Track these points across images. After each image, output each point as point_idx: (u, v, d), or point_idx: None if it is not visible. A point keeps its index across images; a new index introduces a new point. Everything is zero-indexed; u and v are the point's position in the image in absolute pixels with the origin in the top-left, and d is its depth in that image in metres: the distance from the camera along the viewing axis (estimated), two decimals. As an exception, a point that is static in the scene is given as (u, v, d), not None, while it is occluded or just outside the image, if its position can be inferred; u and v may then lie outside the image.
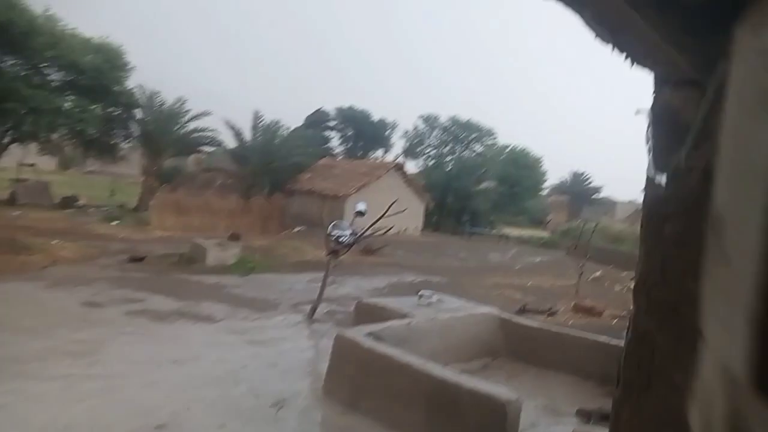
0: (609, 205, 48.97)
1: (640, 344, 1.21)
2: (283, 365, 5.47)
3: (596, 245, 17.71)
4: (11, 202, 20.95)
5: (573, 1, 0.98)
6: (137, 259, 11.01)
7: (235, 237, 15.20)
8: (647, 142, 1.22)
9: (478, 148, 35.76)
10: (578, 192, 49.33)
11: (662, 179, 1.16)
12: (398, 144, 39.09)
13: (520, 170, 36.81)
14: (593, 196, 49.67)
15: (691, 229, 1.04)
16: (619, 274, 15.65)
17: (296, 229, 20.00)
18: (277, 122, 27.07)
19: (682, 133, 1.07)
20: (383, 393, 4.46)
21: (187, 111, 25.76)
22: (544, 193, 45.61)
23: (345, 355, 4.81)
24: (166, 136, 25.01)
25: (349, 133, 39.68)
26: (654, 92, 1.21)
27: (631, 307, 1.27)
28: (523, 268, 17.20)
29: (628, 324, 1.31)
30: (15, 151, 24.86)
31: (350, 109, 39.14)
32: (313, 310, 7.60)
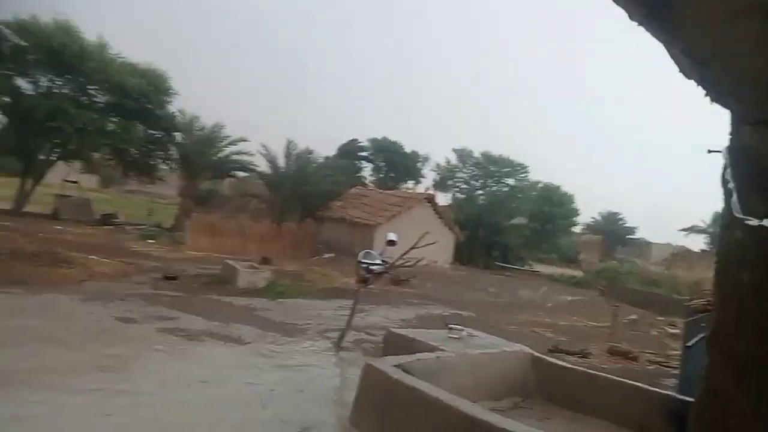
0: (644, 246, 47.80)
1: (712, 401, 1.13)
2: (310, 392, 5.40)
3: (631, 287, 17.21)
4: (54, 216, 21.68)
5: (665, 32, 0.95)
6: (171, 278, 11.18)
7: (266, 261, 15.34)
8: (724, 185, 1.16)
9: (510, 182, 35.57)
10: (612, 231, 48.34)
11: (746, 223, 1.10)
12: (429, 176, 39.22)
13: (552, 207, 36.34)
14: (627, 237, 48.56)
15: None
16: (655, 318, 15.13)
17: (326, 256, 20.07)
18: (310, 150, 27.55)
19: (762, 176, 1.02)
20: (411, 426, 4.34)
21: (225, 136, 26.47)
22: (577, 230, 44.82)
23: (373, 385, 4.72)
24: (203, 159, 25.68)
25: (381, 164, 40.04)
26: (731, 132, 1.17)
27: (703, 362, 1.20)
28: (555, 306, 16.80)
29: (680, 374, 1.23)
30: (60, 168, 25.87)
31: (383, 140, 39.59)
32: (341, 337, 7.53)
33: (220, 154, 26.58)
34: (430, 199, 26.25)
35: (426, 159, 40.52)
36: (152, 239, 18.90)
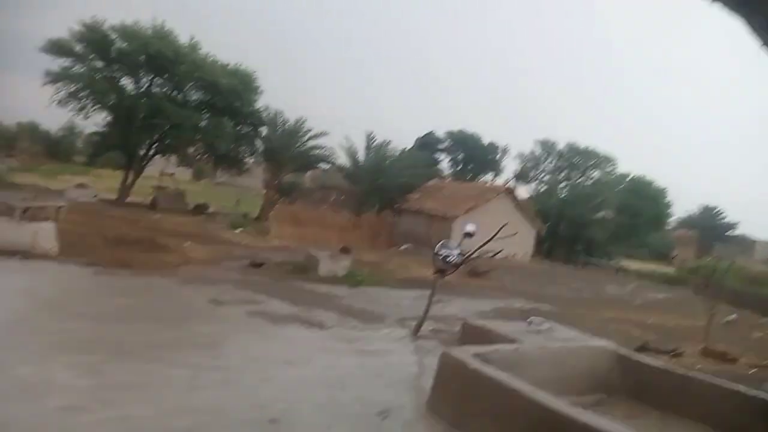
0: (746, 243, 44.10)
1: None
2: (388, 377, 5.53)
3: (731, 286, 16.00)
4: (153, 206, 23.39)
5: (742, 6, 0.92)
6: (257, 265, 11.77)
7: (345, 250, 15.72)
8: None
9: (596, 175, 34.05)
10: (709, 227, 44.99)
11: None
12: (509, 168, 38.40)
13: (641, 200, 34.39)
14: (727, 233, 45.03)
15: None
16: (757, 319, 13.99)
17: (403, 247, 20.24)
18: (388, 143, 27.84)
19: None
20: (488, 416, 4.34)
21: (307, 130, 27.31)
22: (670, 226, 42.12)
23: (450, 373, 4.76)
24: (286, 152, 26.66)
25: (459, 156, 39.66)
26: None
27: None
28: (644, 303, 15.97)
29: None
30: (158, 162, 27.83)
31: (460, 132, 39.17)
32: (419, 326, 7.62)
33: (303, 148, 27.48)
34: (510, 191, 25.71)
35: (505, 151, 39.67)
36: (240, 228, 19.92)
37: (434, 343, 7.19)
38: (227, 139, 24.80)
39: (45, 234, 9.09)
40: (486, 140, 39.39)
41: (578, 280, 20.36)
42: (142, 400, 4.07)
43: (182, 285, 8.60)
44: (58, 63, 22.47)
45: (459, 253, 8.05)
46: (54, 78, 22.34)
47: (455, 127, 39.16)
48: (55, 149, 44.97)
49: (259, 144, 27.63)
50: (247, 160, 28.54)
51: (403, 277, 13.60)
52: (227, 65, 25.42)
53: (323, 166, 30.47)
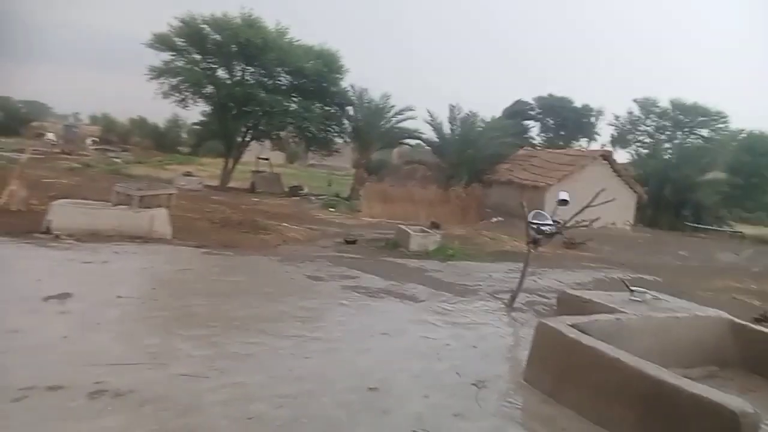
0: None
1: None
2: (483, 348, 5.56)
3: None
4: (251, 190, 24.72)
5: None
6: (350, 242, 12.15)
7: (435, 225, 15.77)
8: None
9: (704, 133, 31.30)
10: (844, 184, 39.89)
11: None
12: (605, 132, 36.27)
13: (758, 158, 31.18)
14: None
15: None
16: None
17: (494, 220, 19.93)
18: (474, 114, 27.26)
19: None
20: (588, 387, 4.25)
21: (392, 107, 27.39)
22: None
23: (547, 344, 4.70)
24: (373, 130, 26.96)
25: (550, 123, 38.04)
26: None
27: None
28: (764, 271, 14.62)
29: None
30: (254, 147, 29.26)
31: (550, 97, 37.48)
32: (513, 298, 7.54)
33: (388, 125, 27.64)
34: (606, 156, 24.34)
35: (600, 113, 37.48)
36: (332, 208, 20.58)
37: (529, 315, 7.10)
38: (316, 121, 25.52)
39: (160, 219, 9.95)
40: (579, 104, 37.42)
41: (685, 248, 19.02)
42: (253, 369, 4.41)
43: (282, 263, 9.09)
44: (160, 58, 24.20)
45: (553, 222, 7.83)
46: (157, 73, 24.11)
47: (544, 92, 37.52)
48: (162, 141, 48.61)
49: (346, 124, 28.16)
50: (336, 140, 29.24)
51: (494, 250, 13.43)
52: (312, 47, 26.01)
53: (410, 141, 30.53)
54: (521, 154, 26.96)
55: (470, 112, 27.22)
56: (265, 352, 4.84)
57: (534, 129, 37.91)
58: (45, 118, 58.00)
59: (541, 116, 37.99)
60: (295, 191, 25.64)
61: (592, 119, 37.63)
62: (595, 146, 33.37)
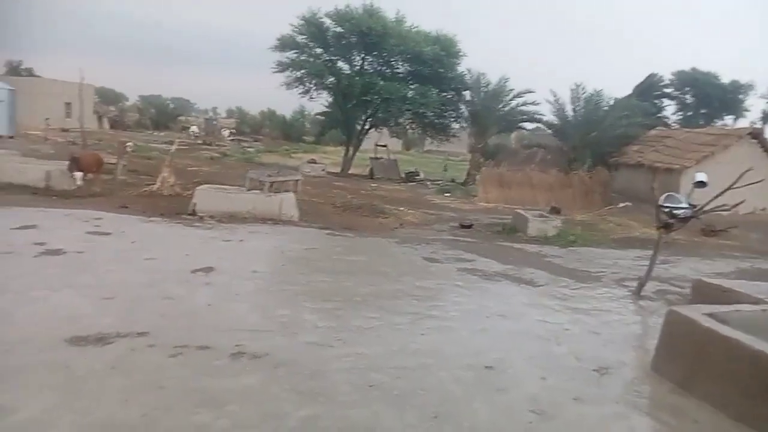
0: None
1: None
2: (606, 335, 5.34)
3: None
4: (370, 176, 25.47)
5: None
6: (466, 226, 12.13)
7: (555, 210, 15.19)
8: None
9: None
10: None
11: None
12: (756, 108, 32.24)
13: None
14: None
15: None
16: None
17: (621, 205, 18.68)
18: (599, 92, 25.55)
19: None
20: (724, 379, 3.93)
21: (510, 90, 26.57)
22: None
23: (678, 332, 4.40)
24: (490, 114, 26.38)
25: (689, 100, 34.62)
26: None
27: None
28: None
29: None
30: (372, 135, 30.07)
31: (692, 71, 34.02)
32: (641, 286, 7.09)
33: (507, 108, 26.89)
34: (756, 135, 21.64)
35: (749, 88, 33.34)
36: (448, 193, 20.59)
37: (659, 304, 6.65)
38: (433, 107, 25.57)
39: (288, 203, 10.69)
40: (725, 78, 33.60)
41: None
42: (373, 341, 4.65)
43: (399, 245, 9.35)
44: (285, 55, 25.74)
45: (688, 206, 7.22)
46: (282, 67, 25.68)
47: (685, 66, 34.17)
48: (289, 131, 51.66)
49: (463, 108, 27.87)
50: (452, 126, 29.07)
51: (620, 236, 12.65)
52: (429, 33, 26.02)
53: (528, 125, 29.49)
54: (653, 135, 24.86)
55: (594, 90, 25.61)
56: (384, 326, 5.06)
57: (669, 107, 34.70)
58: (189, 113, 64.38)
59: (678, 93, 34.68)
60: (411, 177, 25.98)
61: (740, 96, 33.62)
62: (743, 124, 29.76)
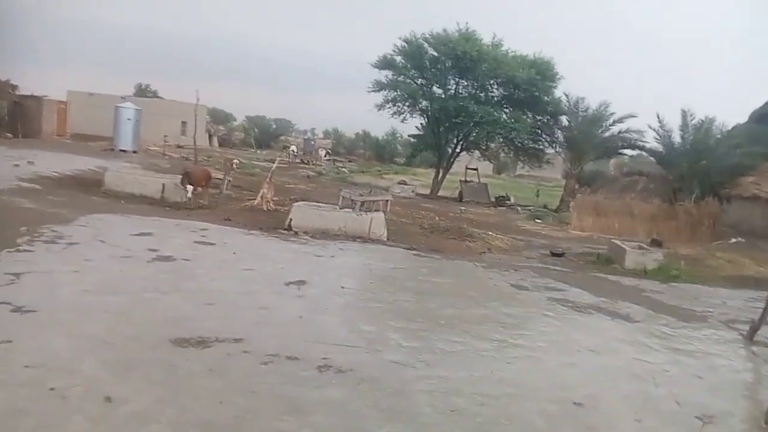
0: None
1: None
2: (711, 380, 4.92)
3: None
4: (459, 198, 25.34)
5: None
6: (557, 254, 11.70)
7: (656, 242, 14.22)
8: None
9: None
10: None
11: None
12: None
13: None
14: None
15: None
16: None
17: (732, 240, 17.17)
18: (711, 119, 23.78)
19: None
20: None
21: (611, 114, 25.46)
22: None
23: (798, 385, 3.99)
24: (588, 140, 25.41)
25: (819, 126, 31.26)
26: None
27: None
28: None
29: None
30: (463, 158, 29.98)
31: (822, 94, 30.73)
32: (754, 330, 6.46)
33: (606, 134, 25.79)
34: None
35: None
36: (539, 219, 19.98)
37: (775, 351, 6.03)
38: (525, 131, 25.10)
39: (377, 222, 10.92)
40: None
41: None
42: (456, 365, 4.62)
43: (486, 269, 9.21)
44: (383, 75, 26.49)
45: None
46: (379, 87, 26.42)
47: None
48: (381, 152, 52.85)
49: (558, 133, 27.08)
50: (546, 150, 28.31)
51: (731, 274, 11.60)
52: (526, 56, 25.69)
53: (629, 152, 27.99)
54: (774, 165, 22.73)
55: (706, 117, 23.86)
56: (468, 351, 5.01)
57: (794, 134, 31.50)
58: (289, 133, 67.73)
59: (804, 119, 31.45)
60: (501, 201, 25.51)
61: None
62: None
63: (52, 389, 3.38)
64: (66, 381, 3.50)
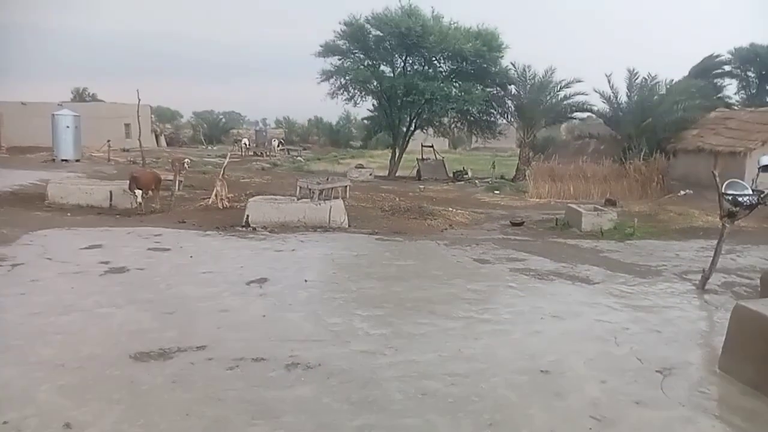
0: None
1: None
2: (668, 333, 5.11)
3: None
4: (418, 177, 25.43)
5: None
6: (517, 224, 11.91)
7: (610, 202, 14.69)
8: None
9: None
10: None
11: None
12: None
13: None
14: None
15: None
16: None
17: (681, 193, 17.87)
18: (653, 77, 24.47)
19: None
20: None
21: (561, 81, 25.84)
22: None
23: (747, 329, 4.16)
24: (538, 107, 25.78)
25: (753, 78, 32.66)
26: None
27: None
28: None
29: None
30: (418, 136, 30.00)
31: (750, 47, 32.09)
32: (705, 279, 6.74)
33: (555, 100, 26.21)
34: (832, 110, 20.18)
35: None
36: (497, 190, 20.26)
37: (725, 298, 6.31)
38: (477, 104, 25.24)
39: (337, 210, 10.82)
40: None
41: None
42: (425, 348, 4.64)
43: (448, 247, 9.28)
44: (329, 62, 26.09)
45: (754, 192, 6.85)
46: (327, 75, 26.03)
47: (743, 43, 32.28)
48: (336, 137, 52.34)
49: (509, 103, 27.36)
50: (498, 121, 28.58)
51: (682, 226, 12.08)
52: (470, 28, 25.72)
53: (579, 115, 28.58)
54: (713, 117, 23.54)
55: (649, 75, 24.52)
56: (436, 332, 5.04)
57: (730, 87, 32.78)
58: (240, 126, 66.25)
59: (739, 71, 32.77)
60: (459, 176, 25.72)
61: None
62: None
63: (5, 423, 3.22)
64: (20, 412, 3.34)
